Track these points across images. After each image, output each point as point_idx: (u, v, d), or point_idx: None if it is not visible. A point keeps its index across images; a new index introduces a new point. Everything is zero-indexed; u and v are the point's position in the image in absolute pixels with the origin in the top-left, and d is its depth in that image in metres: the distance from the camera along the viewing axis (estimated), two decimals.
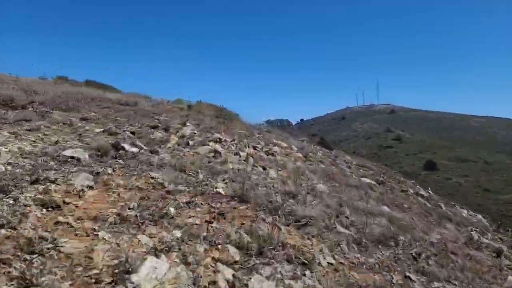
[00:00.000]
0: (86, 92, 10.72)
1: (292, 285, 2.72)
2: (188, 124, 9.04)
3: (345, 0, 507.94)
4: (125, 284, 2.12)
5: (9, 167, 3.95)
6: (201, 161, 5.93)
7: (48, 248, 2.39)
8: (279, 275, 2.79)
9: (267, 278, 2.66)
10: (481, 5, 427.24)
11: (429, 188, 18.23)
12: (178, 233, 2.98)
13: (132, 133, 7.08)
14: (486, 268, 4.87)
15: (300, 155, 9.83)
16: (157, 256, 2.49)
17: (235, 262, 2.78)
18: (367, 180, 10.12)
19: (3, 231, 2.51)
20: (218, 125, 9.95)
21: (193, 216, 3.53)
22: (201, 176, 5.07)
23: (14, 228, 2.57)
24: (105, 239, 2.64)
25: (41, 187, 3.49)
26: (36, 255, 2.29)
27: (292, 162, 8.38)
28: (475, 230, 8.02)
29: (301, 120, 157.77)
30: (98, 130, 6.89)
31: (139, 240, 2.71)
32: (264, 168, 6.81)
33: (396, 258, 4.16)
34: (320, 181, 7.27)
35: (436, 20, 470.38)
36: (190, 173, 5.07)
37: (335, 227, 4.31)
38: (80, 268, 2.25)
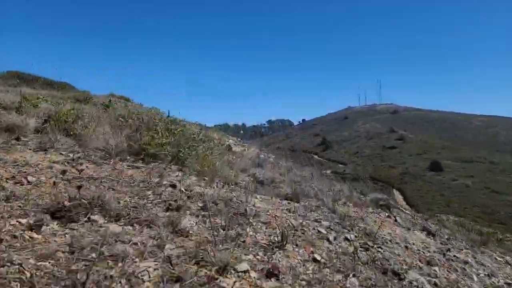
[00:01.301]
0: None
1: None
2: None
3: (346, 0, 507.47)
4: None
5: None
6: None
7: None
8: None
9: None
10: (481, 5, 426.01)
11: None
12: None
13: None
14: None
15: None
16: None
17: None
18: None
19: None
20: None
21: None
22: None
23: None
24: None
25: None
26: None
27: None
28: None
29: (303, 120, 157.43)
30: None
31: None
32: None
33: None
34: None
35: (437, 20, 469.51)
36: None
37: None
38: None
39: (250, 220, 3.09)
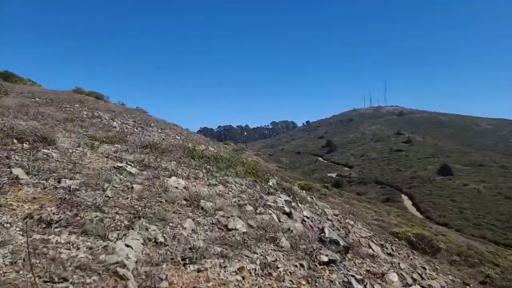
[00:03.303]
0: None
1: None
2: None
3: (353, 0, 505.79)
4: None
5: None
6: None
7: None
8: None
9: None
10: (489, 7, 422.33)
11: None
12: None
13: None
14: None
15: None
16: None
17: None
18: None
19: None
20: None
21: None
22: None
23: None
24: None
25: None
26: None
27: None
28: None
29: (307, 122, 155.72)
30: None
31: None
32: None
33: None
34: None
35: (443, 22, 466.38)
36: None
37: None
38: None
39: None
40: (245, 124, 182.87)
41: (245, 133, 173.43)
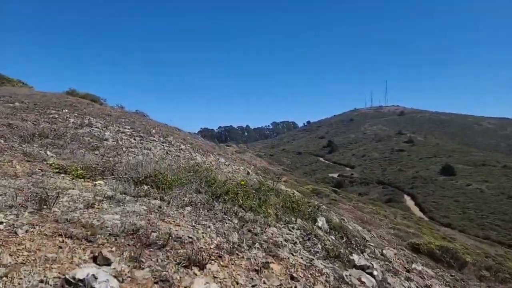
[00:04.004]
0: None
1: None
2: None
3: (353, 0, 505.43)
4: None
5: None
6: None
7: None
8: None
9: None
10: (491, 7, 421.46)
11: None
12: None
13: None
14: None
15: None
16: None
17: None
18: None
19: None
20: None
21: None
22: None
23: None
24: None
25: None
26: None
27: None
28: None
29: (308, 122, 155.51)
30: None
31: None
32: None
33: None
34: None
35: (445, 22, 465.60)
36: None
37: None
38: None
39: None
40: (246, 124, 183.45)
41: (246, 134, 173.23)
